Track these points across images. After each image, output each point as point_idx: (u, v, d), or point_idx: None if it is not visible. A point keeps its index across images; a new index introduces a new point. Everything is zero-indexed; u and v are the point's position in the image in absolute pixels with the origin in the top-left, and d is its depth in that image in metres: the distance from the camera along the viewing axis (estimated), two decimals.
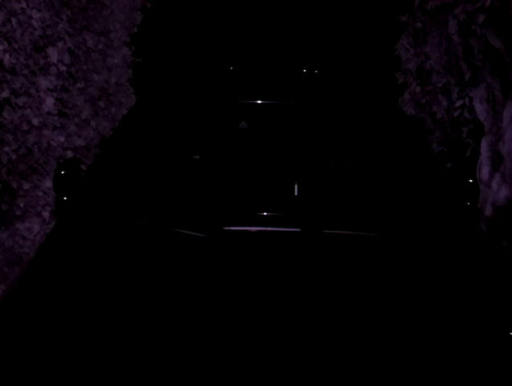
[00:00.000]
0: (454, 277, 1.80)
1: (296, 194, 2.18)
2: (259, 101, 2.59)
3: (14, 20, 3.03)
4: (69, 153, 3.59)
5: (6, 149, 3.19)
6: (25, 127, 3.26)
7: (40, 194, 3.52)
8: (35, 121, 3.28)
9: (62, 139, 3.52)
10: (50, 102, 3.36)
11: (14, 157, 3.23)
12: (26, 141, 3.31)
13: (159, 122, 2.55)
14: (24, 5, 3.07)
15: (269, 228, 1.94)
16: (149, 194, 2.20)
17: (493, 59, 3.55)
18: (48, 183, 3.48)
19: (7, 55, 3.01)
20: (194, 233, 1.89)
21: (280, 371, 1.38)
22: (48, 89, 3.36)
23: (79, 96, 3.72)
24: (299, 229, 1.95)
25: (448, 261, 1.86)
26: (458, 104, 3.80)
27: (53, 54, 3.32)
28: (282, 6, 6.32)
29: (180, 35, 6.17)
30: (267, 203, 2.08)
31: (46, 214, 3.54)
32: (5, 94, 3.07)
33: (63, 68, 3.43)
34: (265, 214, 2.03)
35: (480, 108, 3.66)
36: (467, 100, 3.76)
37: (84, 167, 3.70)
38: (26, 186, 3.42)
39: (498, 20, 3.40)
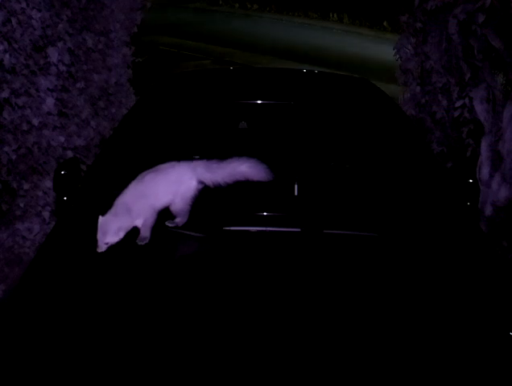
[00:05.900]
0: (454, 277, 1.80)
1: (296, 194, 2.18)
2: (259, 101, 2.59)
3: (14, 20, 3.03)
4: (69, 154, 3.59)
5: (6, 149, 3.19)
6: (25, 127, 3.26)
7: (40, 194, 3.52)
8: (35, 121, 3.28)
9: (62, 139, 3.52)
10: (50, 102, 3.35)
11: (14, 157, 3.23)
12: (26, 141, 3.31)
13: (159, 122, 2.54)
14: (24, 5, 3.06)
15: (269, 228, 1.94)
16: None
17: (493, 59, 3.55)
18: (48, 183, 3.48)
19: (7, 55, 3.01)
20: (194, 233, 1.89)
21: (279, 370, 1.38)
22: (48, 89, 3.35)
23: (79, 96, 3.72)
24: (299, 229, 1.95)
25: (447, 261, 1.86)
26: (458, 104, 3.80)
27: (53, 54, 3.31)
28: None
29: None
30: (267, 203, 2.08)
31: (46, 214, 3.54)
32: (5, 94, 3.07)
33: (63, 68, 3.43)
34: (265, 214, 2.03)
35: (480, 108, 3.66)
36: (467, 100, 3.75)
37: (84, 167, 3.70)
38: (26, 186, 3.42)
39: (498, 20, 3.40)
